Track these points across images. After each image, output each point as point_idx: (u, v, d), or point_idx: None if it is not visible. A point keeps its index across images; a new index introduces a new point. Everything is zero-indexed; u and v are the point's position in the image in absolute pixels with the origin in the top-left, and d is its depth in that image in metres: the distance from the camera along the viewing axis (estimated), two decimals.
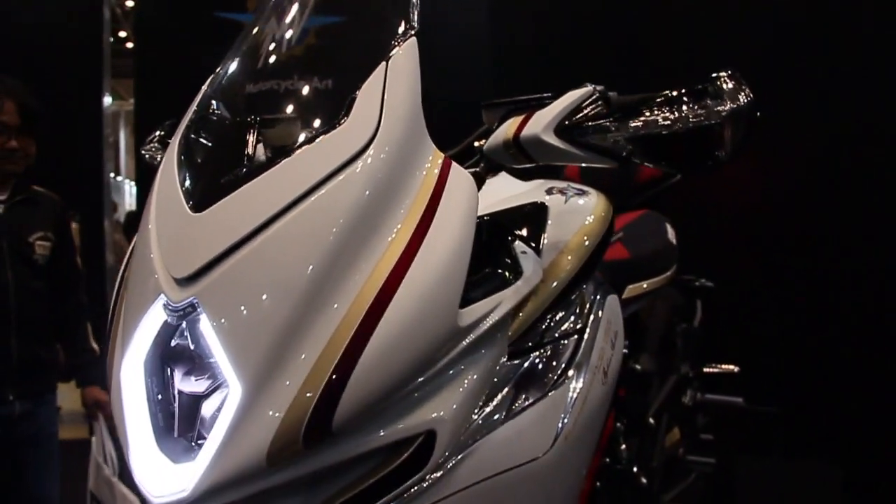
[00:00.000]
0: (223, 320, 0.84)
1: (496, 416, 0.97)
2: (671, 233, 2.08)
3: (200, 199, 0.93)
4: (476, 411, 0.95)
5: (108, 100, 5.27)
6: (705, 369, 2.46)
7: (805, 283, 3.10)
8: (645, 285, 1.88)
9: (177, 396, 0.90)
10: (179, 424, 0.89)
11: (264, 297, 0.84)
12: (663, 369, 2.15)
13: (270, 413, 0.81)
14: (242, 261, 0.86)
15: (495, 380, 0.99)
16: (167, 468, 0.86)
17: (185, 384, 0.90)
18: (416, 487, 0.87)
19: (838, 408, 2.98)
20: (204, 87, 1.13)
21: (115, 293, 1.06)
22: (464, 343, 0.90)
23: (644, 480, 1.88)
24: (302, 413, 0.81)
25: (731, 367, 2.50)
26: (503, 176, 1.43)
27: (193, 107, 1.10)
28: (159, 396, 0.91)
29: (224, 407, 0.83)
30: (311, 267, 0.84)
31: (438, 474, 0.89)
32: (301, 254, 0.85)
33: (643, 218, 2.07)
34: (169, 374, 0.92)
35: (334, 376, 0.81)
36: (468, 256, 0.91)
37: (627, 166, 1.01)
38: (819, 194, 3.08)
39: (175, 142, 1.06)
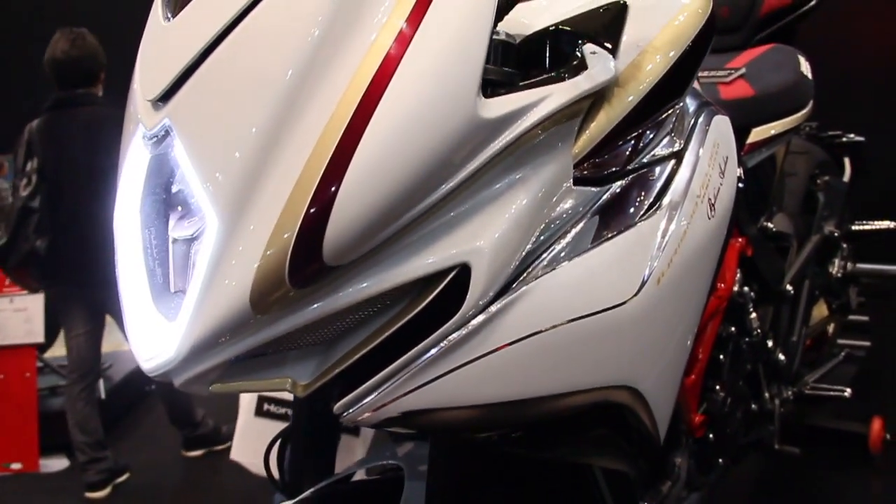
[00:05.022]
0: (195, 141, 0.69)
1: (562, 251, 0.76)
2: (805, 66, 1.75)
3: (175, 2, 0.77)
4: (531, 244, 0.74)
5: None
6: (856, 227, 2.11)
7: None
8: (774, 128, 1.59)
9: (171, 246, 0.77)
10: (176, 277, 0.76)
11: (236, 108, 0.67)
12: (803, 231, 1.85)
13: (251, 247, 0.65)
14: (211, 68, 0.69)
15: (561, 207, 0.77)
16: (162, 328, 0.72)
17: (178, 229, 0.76)
18: (450, 337, 0.68)
19: None
20: None
21: None
22: (495, 146, 0.69)
23: (781, 357, 1.62)
24: (285, 242, 0.64)
25: (887, 223, 2.14)
26: None
27: None
28: (157, 249, 0.78)
29: (202, 248, 0.68)
30: (287, 65, 0.66)
31: (480, 320, 0.69)
32: (274, 52, 0.67)
33: (770, 52, 1.74)
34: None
35: (320, 192, 0.63)
36: (489, 23, 0.68)
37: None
38: None
39: None
